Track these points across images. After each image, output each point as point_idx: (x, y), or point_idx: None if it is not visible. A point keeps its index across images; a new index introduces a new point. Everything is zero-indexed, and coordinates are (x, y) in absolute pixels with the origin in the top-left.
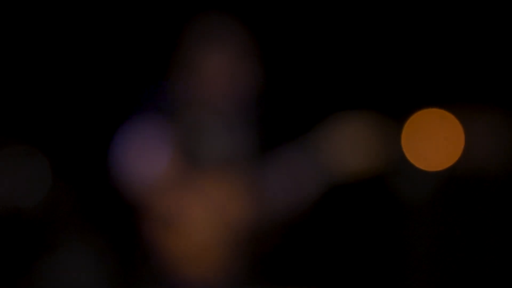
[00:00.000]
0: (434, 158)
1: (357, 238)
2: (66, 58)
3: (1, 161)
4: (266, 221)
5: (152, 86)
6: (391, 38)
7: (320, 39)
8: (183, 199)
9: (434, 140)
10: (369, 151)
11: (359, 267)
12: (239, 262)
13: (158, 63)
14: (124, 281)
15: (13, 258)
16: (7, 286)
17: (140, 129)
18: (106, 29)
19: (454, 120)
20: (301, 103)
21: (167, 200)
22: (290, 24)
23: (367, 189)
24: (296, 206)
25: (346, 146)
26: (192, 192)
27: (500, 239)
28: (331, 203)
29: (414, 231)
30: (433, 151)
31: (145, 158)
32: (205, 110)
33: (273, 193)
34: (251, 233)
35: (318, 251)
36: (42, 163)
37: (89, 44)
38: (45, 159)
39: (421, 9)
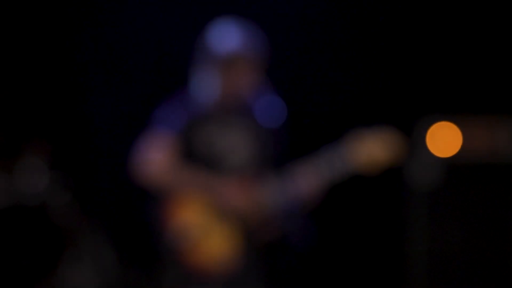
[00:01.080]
0: (444, 149)
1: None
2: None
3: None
4: (276, 216)
5: (174, 88)
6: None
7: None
8: (201, 197)
9: (443, 138)
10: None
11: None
12: (250, 255)
13: (178, 63)
14: (126, 281)
15: (15, 258)
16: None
17: (157, 127)
18: (120, 33)
19: (456, 127)
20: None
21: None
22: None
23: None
24: (305, 204)
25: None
26: (210, 191)
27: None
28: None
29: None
30: (443, 145)
31: (160, 154)
32: (226, 111)
33: (285, 194)
34: (262, 227)
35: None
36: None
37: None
38: (47, 164)
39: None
